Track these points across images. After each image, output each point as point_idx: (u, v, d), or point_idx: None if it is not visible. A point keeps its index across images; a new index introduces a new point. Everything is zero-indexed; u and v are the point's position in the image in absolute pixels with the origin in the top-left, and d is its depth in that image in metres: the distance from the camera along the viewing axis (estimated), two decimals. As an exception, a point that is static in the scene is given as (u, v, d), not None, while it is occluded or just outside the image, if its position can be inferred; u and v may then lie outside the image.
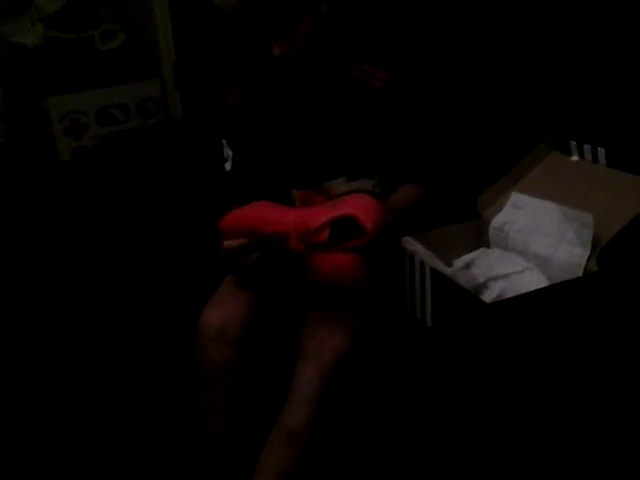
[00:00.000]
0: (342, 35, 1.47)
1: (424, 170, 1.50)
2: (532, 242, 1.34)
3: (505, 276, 1.35)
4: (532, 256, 1.34)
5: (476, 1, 1.68)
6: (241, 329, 1.36)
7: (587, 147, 1.39)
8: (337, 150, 1.49)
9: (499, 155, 1.56)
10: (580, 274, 1.23)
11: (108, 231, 2.05)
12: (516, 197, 1.41)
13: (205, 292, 1.43)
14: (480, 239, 1.46)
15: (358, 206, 1.24)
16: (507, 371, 1.15)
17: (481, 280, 1.35)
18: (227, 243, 1.33)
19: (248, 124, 1.54)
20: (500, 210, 1.43)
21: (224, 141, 1.57)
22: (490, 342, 1.14)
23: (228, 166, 1.58)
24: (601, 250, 1.23)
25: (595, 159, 1.38)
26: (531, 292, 1.21)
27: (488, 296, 1.32)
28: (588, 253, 1.23)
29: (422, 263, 1.27)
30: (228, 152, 1.57)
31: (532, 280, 1.31)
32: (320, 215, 1.24)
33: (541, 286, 1.28)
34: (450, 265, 1.40)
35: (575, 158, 1.42)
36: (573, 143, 1.42)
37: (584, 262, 1.24)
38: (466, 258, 1.43)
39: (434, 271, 1.25)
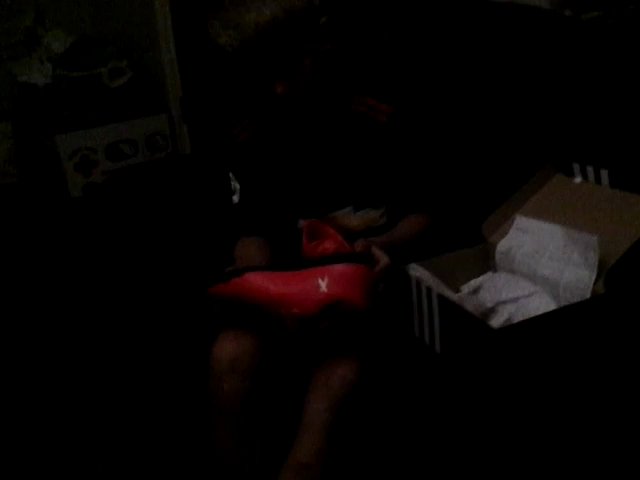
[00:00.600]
0: (345, 70, 1.49)
1: (429, 200, 1.51)
2: (538, 265, 1.34)
3: (513, 300, 1.35)
4: (539, 279, 1.34)
5: (476, 30, 1.70)
6: (253, 361, 1.36)
7: (590, 169, 1.40)
8: (343, 182, 1.50)
9: (502, 179, 1.57)
10: (588, 296, 1.23)
11: (118, 265, 2.07)
12: (521, 221, 1.42)
13: (216, 325, 1.43)
14: (486, 264, 1.46)
15: (346, 286, 1.23)
16: (517, 396, 1.14)
17: (489, 305, 1.35)
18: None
19: (254, 158, 1.56)
20: (505, 234, 1.43)
21: (231, 174, 1.59)
22: (499, 368, 1.14)
23: (236, 198, 1.59)
24: (608, 272, 1.23)
25: (598, 180, 1.38)
26: (539, 316, 1.21)
27: (497, 321, 1.31)
28: (595, 275, 1.23)
29: (429, 289, 1.28)
30: (235, 185, 1.59)
31: (540, 304, 1.31)
32: (308, 298, 1.23)
33: (549, 309, 1.28)
34: (457, 290, 1.40)
35: (578, 180, 1.43)
36: (576, 165, 1.42)
37: (591, 284, 1.24)
38: (473, 283, 1.43)
39: (441, 297, 1.25)
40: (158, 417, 1.96)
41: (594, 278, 1.23)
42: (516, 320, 1.29)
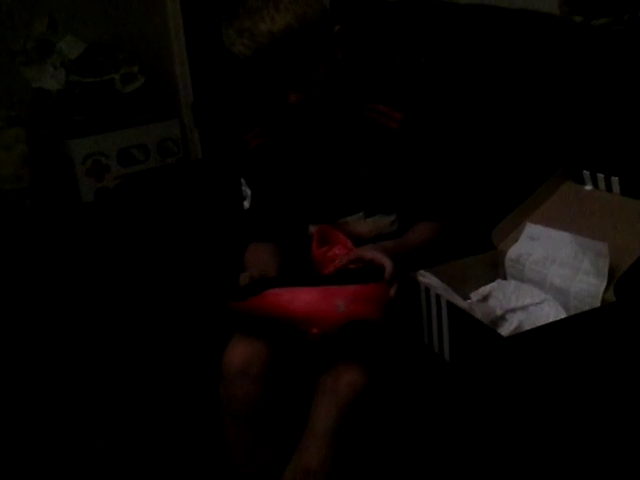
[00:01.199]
0: (357, 77, 1.50)
1: (440, 207, 1.51)
2: (549, 273, 1.34)
3: (523, 308, 1.34)
4: (549, 287, 1.33)
5: (487, 36, 1.70)
6: (264, 366, 1.37)
7: (601, 176, 1.39)
8: (354, 188, 1.51)
9: (513, 186, 1.56)
10: (598, 304, 1.23)
11: (130, 270, 2.08)
12: (531, 228, 1.41)
13: (228, 330, 1.44)
14: (496, 271, 1.46)
15: (364, 305, 1.25)
16: (527, 404, 1.14)
17: (499, 312, 1.35)
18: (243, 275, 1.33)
19: (266, 165, 1.57)
20: (515, 241, 1.43)
21: (242, 180, 1.60)
22: (509, 376, 1.13)
23: (247, 204, 1.60)
24: (618, 280, 1.22)
25: (609, 188, 1.37)
26: (549, 324, 1.21)
27: (506, 328, 1.31)
28: (605, 283, 1.23)
29: (438, 297, 1.27)
30: (246, 191, 1.59)
31: (550, 311, 1.31)
32: (327, 318, 1.24)
33: (559, 317, 1.27)
34: (467, 298, 1.40)
35: (589, 187, 1.42)
36: (586, 173, 1.42)
37: (601, 292, 1.23)
38: (483, 290, 1.42)
39: (450, 304, 1.25)
40: (168, 421, 1.97)
41: (604, 286, 1.23)
42: (526, 328, 1.28)
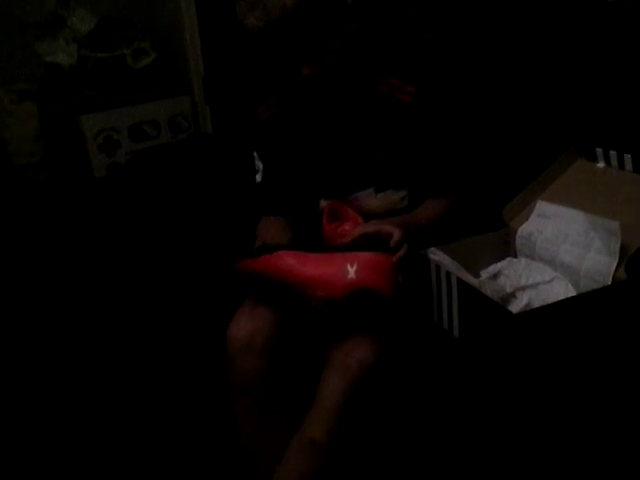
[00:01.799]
0: (370, 50, 1.49)
1: (452, 183, 1.50)
2: (559, 251, 1.34)
3: (533, 286, 1.34)
4: (559, 265, 1.33)
5: (501, 11, 1.68)
6: (269, 339, 1.38)
7: (613, 153, 1.38)
8: (365, 163, 1.50)
9: (524, 164, 1.56)
10: (608, 283, 1.23)
11: (141, 245, 2.09)
12: (542, 206, 1.41)
13: (233, 304, 1.44)
14: (507, 249, 1.46)
15: (374, 274, 1.24)
16: (535, 382, 1.14)
17: (509, 290, 1.35)
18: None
19: (278, 138, 1.56)
20: (526, 219, 1.42)
21: (255, 154, 1.60)
22: (518, 353, 1.14)
23: (259, 178, 1.60)
24: (629, 258, 1.22)
25: (622, 166, 1.37)
26: (559, 302, 1.21)
27: (516, 306, 1.31)
28: (616, 261, 1.23)
29: (448, 274, 1.28)
30: (259, 164, 1.59)
31: (560, 289, 1.31)
32: (335, 282, 1.24)
33: (569, 295, 1.27)
34: (477, 275, 1.40)
35: (601, 165, 1.41)
36: (599, 150, 1.41)
37: (612, 271, 1.23)
38: (493, 268, 1.42)
39: (460, 282, 1.25)
40: (176, 399, 1.97)
41: (615, 265, 1.22)
42: (535, 306, 1.28)
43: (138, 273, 2.15)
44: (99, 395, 2.02)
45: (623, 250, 1.23)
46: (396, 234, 1.29)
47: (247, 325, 1.38)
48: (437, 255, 1.34)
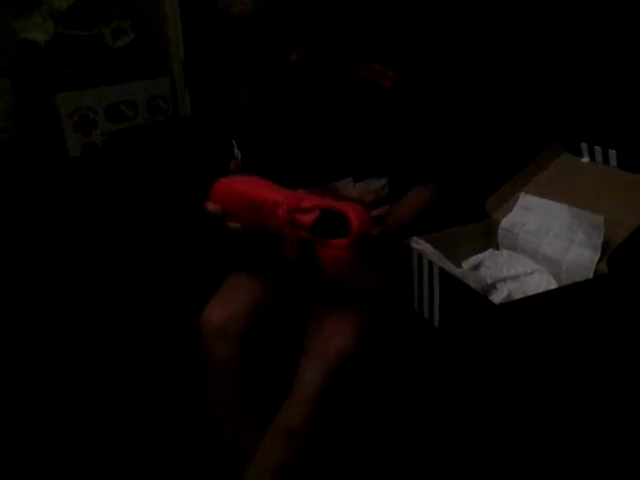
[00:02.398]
0: (351, 35, 1.47)
1: (434, 171, 1.49)
2: (542, 244, 1.33)
3: (514, 278, 1.34)
4: (541, 258, 1.33)
5: (487, 2, 1.67)
6: (243, 326, 1.36)
7: (598, 149, 1.38)
8: (345, 151, 1.49)
9: (508, 156, 1.55)
10: (590, 276, 1.22)
11: (115, 227, 2.05)
12: (526, 198, 1.40)
13: (208, 289, 1.43)
14: (489, 240, 1.46)
15: (350, 207, 1.21)
16: (515, 372, 1.14)
17: (489, 281, 1.34)
18: (211, 206, 1.31)
19: (255, 125, 1.54)
20: (509, 211, 1.42)
21: (234, 142, 1.57)
22: (498, 343, 1.13)
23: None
24: (612, 252, 1.22)
25: (606, 161, 1.37)
26: (541, 293, 1.21)
27: (497, 297, 1.31)
28: (598, 255, 1.22)
29: (430, 263, 1.27)
30: (237, 152, 1.57)
31: (541, 282, 1.30)
32: (314, 199, 1.23)
33: (550, 288, 1.27)
34: (458, 266, 1.39)
35: (586, 160, 1.41)
36: (584, 145, 1.41)
37: (594, 264, 1.23)
38: (474, 259, 1.42)
39: (443, 271, 1.24)
40: (151, 386, 1.95)
41: (597, 258, 1.22)
42: (516, 298, 1.28)
43: (112, 257, 2.11)
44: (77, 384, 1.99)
45: (606, 244, 1.22)
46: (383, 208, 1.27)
47: (221, 311, 1.36)
48: (420, 244, 1.33)
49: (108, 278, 2.13)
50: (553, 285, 1.28)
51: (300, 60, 1.34)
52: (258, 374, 1.39)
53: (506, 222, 1.42)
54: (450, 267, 1.29)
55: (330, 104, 1.47)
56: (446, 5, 1.74)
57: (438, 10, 1.74)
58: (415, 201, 1.46)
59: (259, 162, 1.55)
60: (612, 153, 1.35)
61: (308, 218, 1.21)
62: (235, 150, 1.57)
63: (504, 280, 1.34)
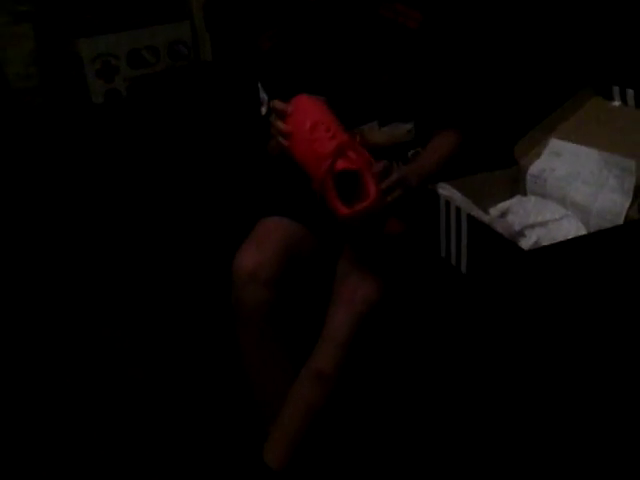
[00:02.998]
0: None
1: (460, 114, 1.47)
2: (571, 190, 1.32)
3: (542, 224, 1.33)
4: (571, 204, 1.32)
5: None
6: (274, 272, 1.37)
7: (630, 92, 1.36)
8: (370, 94, 1.47)
9: (538, 100, 1.53)
10: (621, 222, 1.21)
11: (142, 176, 2.06)
12: (555, 143, 1.38)
13: (239, 236, 1.43)
14: (516, 187, 1.44)
15: (373, 183, 1.23)
16: (543, 319, 1.14)
17: (517, 228, 1.33)
18: (280, 105, 1.31)
19: (280, 67, 1.52)
20: (538, 157, 1.40)
21: (259, 85, 1.56)
22: (527, 290, 1.13)
23: (264, 110, 1.56)
24: (643, 198, 1.20)
25: (638, 104, 1.34)
26: (570, 239, 1.20)
27: (525, 244, 1.30)
28: (630, 201, 1.21)
29: (458, 210, 1.26)
30: (264, 96, 1.56)
31: (570, 228, 1.29)
32: (358, 156, 1.25)
33: (579, 234, 1.26)
34: (486, 213, 1.38)
35: (617, 103, 1.39)
36: (616, 88, 1.38)
37: (625, 210, 1.22)
38: (502, 206, 1.40)
39: (470, 218, 1.23)
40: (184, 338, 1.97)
41: (629, 204, 1.21)
42: (544, 244, 1.27)
43: (139, 204, 2.12)
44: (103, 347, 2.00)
45: (637, 189, 1.21)
46: (394, 175, 1.26)
47: (253, 256, 1.37)
48: (447, 190, 1.32)
49: (137, 229, 2.15)
50: (582, 231, 1.27)
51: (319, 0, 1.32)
52: (289, 320, 1.41)
53: (534, 168, 1.40)
54: (478, 213, 1.28)
55: (354, 46, 1.46)
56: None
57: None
58: (438, 150, 1.45)
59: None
60: (645, 96, 1.33)
61: (341, 165, 1.22)
62: (261, 94, 1.56)
63: (532, 226, 1.33)
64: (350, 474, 1.44)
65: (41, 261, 2.28)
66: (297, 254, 1.40)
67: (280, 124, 1.29)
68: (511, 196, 1.44)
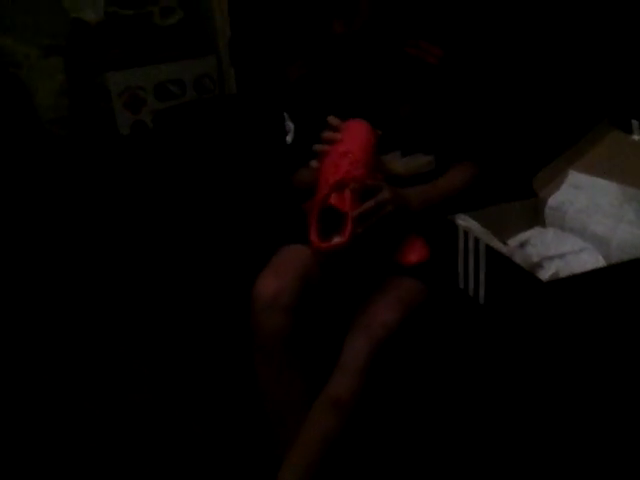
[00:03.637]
0: (400, 11, 1.47)
1: (477, 148, 1.49)
2: (590, 222, 1.32)
3: (561, 256, 1.33)
4: (590, 236, 1.32)
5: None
6: (293, 299, 1.37)
7: (650, 126, 1.36)
8: (392, 125, 1.49)
9: (556, 133, 1.54)
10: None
11: (166, 202, 2.09)
12: (574, 176, 1.39)
13: (260, 262, 1.44)
14: (535, 218, 1.44)
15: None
16: (562, 350, 1.14)
17: (536, 259, 1.33)
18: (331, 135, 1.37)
19: (308, 97, 1.56)
20: (557, 189, 1.41)
21: (285, 114, 1.59)
22: (546, 321, 1.13)
23: (289, 138, 1.59)
24: (662, 231, 1.20)
25: (658, 139, 1.35)
26: (589, 271, 1.20)
27: (543, 275, 1.30)
28: (648, 234, 1.21)
29: (477, 240, 1.27)
30: (289, 125, 1.59)
31: (589, 260, 1.29)
32: (347, 197, 1.28)
33: (598, 267, 1.26)
34: (504, 244, 1.39)
35: (636, 137, 1.39)
36: (635, 122, 1.39)
37: (644, 243, 1.22)
38: (521, 237, 1.41)
39: (489, 248, 1.24)
40: (198, 362, 1.98)
41: (648, 237, 1.21)
42: (562, 276, 1.27)
43: (162, 231, 2.15)
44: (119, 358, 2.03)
45: (657, 223, 1.21)
46: (385, 192, 1.31)
47: (272, 283, 1.37)
48: (466, 221, 1.33)
49: (163, 249, 2.17)
50: (602, 264, 1.27)
51: (345, 33, 1.35)
52: (307, 347, 1.41)
53: (554, 200, 1.40)
54: (497, 244, 1.29)
55: (378, 79, 1.49)
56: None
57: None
58: (450, 181, 1.48)
59: (312, 133, 1.57)
60: (664, 131, 1.33)
61: (332, 200, 1.28)
62: (287, 123, 1.59)
63: (551, 258, 1.33)
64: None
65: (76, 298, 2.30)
66: (315, 282, 1.41)
67: (329, 134, 1.36)
68: (530, 227, 1.44)
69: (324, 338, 1.43)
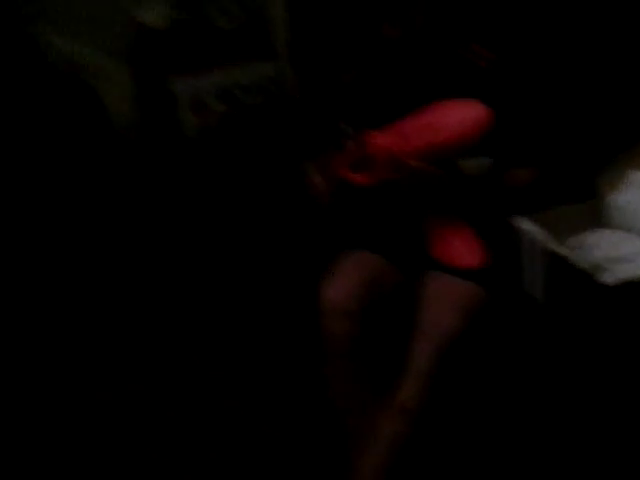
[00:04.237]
0: (454, 15, 1.47)
1: (536, 154, 1.48)
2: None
3: (626, 258, 1.31)
4: (655, 238, 1.30)
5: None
6: (363, 302, 1.38)
7: None
8: None
9: (620, 134, 1.51)
10: None
11: (235, 203, 2.11)
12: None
13: (322, 268, 1.45)
14: (597, 219, 1.42)
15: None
16: (627, 354, 1.13)
17: (599, 261, 1.32)
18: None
19: (360, 99, 1.57)
20: (622, 190, 1.38)
21: (340, 117, 1.61)
22: (610, 325, 1.12)
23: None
24: None
25: None
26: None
27: (608, 278, 1.28)
28: None
29: (536, 242, 1.26)
30: (347, 128, 1.60)
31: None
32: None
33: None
34: (564, 245, 1.37)
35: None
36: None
37: None
38: (583, 238, 1.39)
39: (550, 251, 1.23)
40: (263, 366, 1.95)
41: None
42: (628, 279, 1.25)
43: (234, 230, 2.16)
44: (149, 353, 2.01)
45: None
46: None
47: (339, 289, 1.37)
48: (525, 224, 1.33)
49: (231, 251, 2.19)
50: (669, 266, 1.25)
51: (400, 37, 1.36)
52: (373, 352, 1.42)
53: (619, 200, 1.38)
54: (558, 247, 1.28)
55: (430, 81, 1.49)
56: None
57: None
58: (513, 181, 1.46)
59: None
60: None
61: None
62: (343, 126, 1.61)
63: (615, 260, 1.31)
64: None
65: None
66: (379, 287, 1.42)
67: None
68: (592, 228, 1.42)
69: (391, 341, 1.43)
